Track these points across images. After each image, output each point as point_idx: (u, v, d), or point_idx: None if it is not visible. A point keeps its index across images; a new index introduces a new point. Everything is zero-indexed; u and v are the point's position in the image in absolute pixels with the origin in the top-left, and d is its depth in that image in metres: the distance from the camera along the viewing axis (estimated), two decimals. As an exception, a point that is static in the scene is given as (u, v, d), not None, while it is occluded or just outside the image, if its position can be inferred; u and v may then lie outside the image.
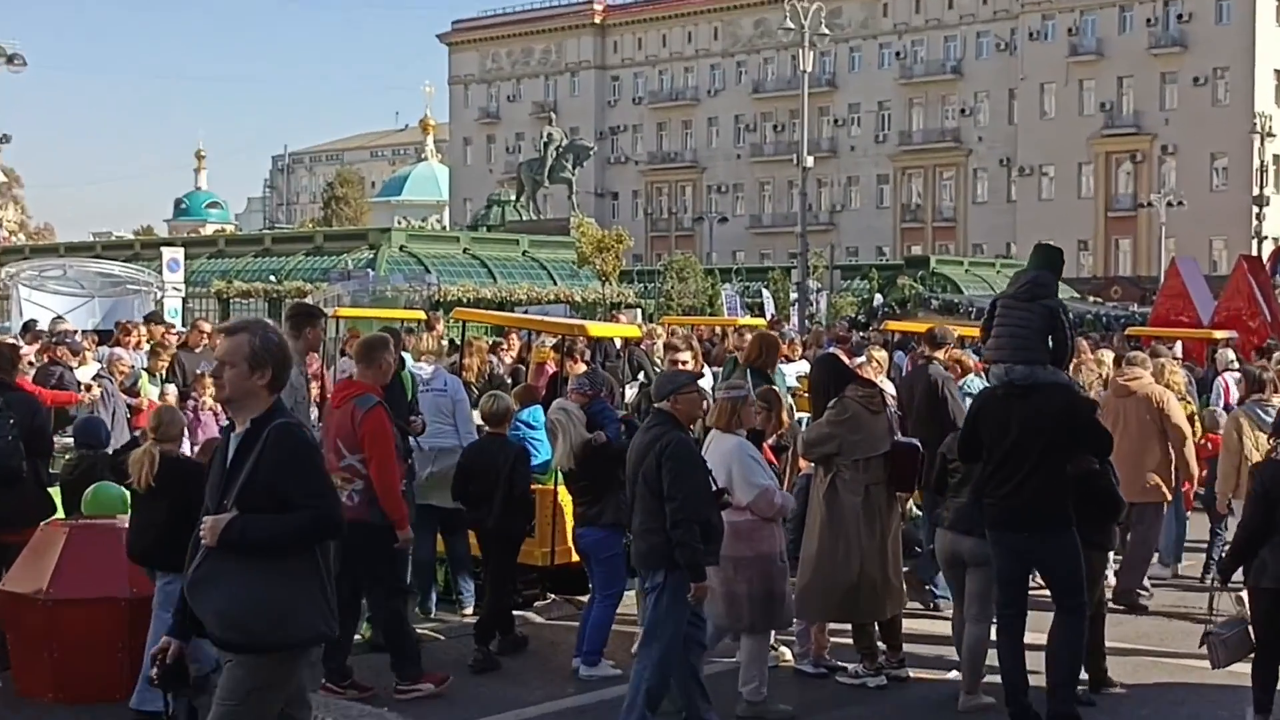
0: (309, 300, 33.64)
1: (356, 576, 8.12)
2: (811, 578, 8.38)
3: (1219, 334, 17.91)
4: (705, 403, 8.26)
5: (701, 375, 8.11)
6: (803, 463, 8.92)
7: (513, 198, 63.19)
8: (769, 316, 33.28)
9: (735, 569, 7.62)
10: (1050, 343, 7.69)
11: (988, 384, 11.94)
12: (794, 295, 43.79)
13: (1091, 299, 57.74)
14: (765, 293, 44.96)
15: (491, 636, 9.14)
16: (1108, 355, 15.30)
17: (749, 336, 12.30)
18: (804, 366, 16.95)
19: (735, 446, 7.85)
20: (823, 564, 8.36)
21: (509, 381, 14.55)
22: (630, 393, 15.17)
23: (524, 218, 59.61)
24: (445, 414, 9.94)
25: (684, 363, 9.64)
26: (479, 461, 9.36)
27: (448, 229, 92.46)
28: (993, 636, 7.92)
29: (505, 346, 17.16)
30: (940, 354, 11.44)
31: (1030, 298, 7.80)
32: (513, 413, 9.70)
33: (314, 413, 10.16)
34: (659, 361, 17.76)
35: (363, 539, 7.94)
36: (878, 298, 43.88)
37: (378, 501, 8.02)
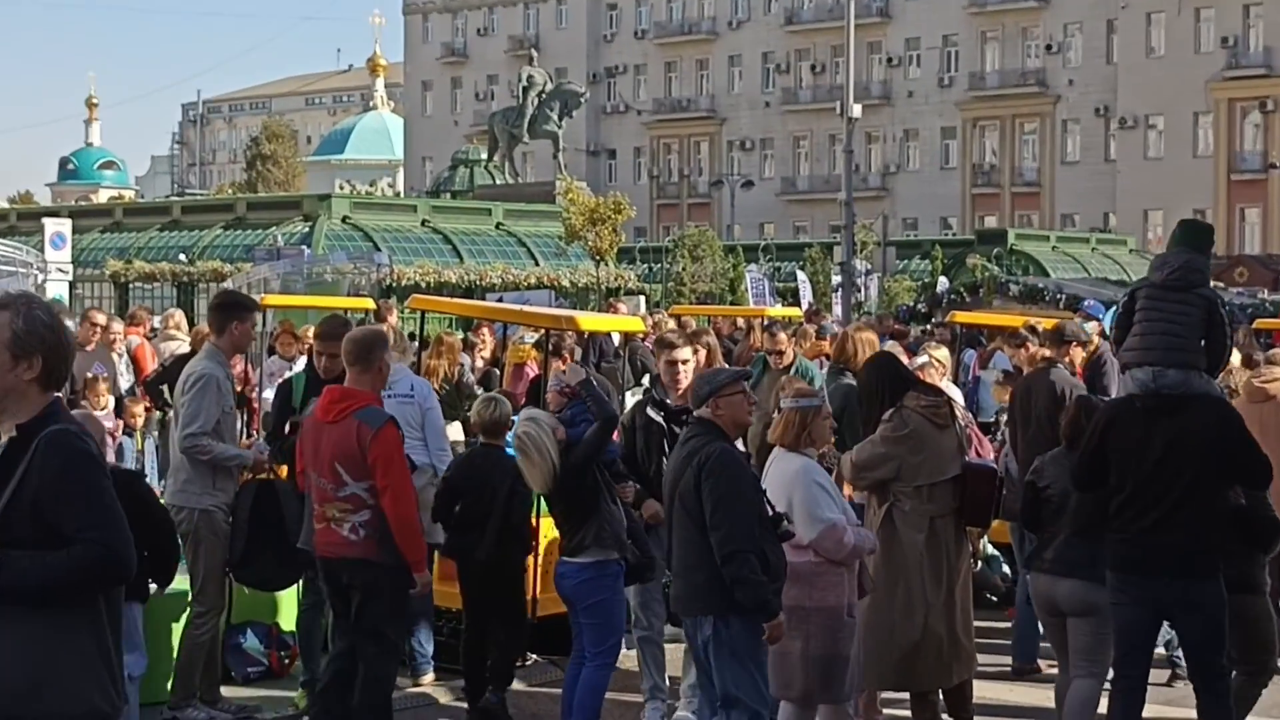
0: (230, 285, 33.67)
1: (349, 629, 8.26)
2: (863, 635, 8.36)
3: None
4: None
5: (748, 375, 8.01)
6: (849, 490, 8.87)
7: (484, 157, 63.18)
8: (805, 305, 33.28)
9: (791, 622, 7.52)
10: (1206, 343, 7.73)
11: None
12: (836, 279, 43.76)
13: (1211, 284, 57.62)
14: (801, 275, 44.99)
15: (482, 696, 9.20)
16: (1234, 354, 15.26)
17: (781, 335, 12.27)
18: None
19: (800, 470, 7.81)
20: (877, 617, 8.34)
21: (477, 388, 14.52)
22: (631, 399, 15.18)
23: (498, 181, 59.59)
24: (412, 425, 9.95)
25: (682, 362, 9.53)
26: (470, 479, 9.43)
27: (402, 196, 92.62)
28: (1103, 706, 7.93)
29: (479, 345, 17.16)
30: (1070, 354, 11.45)
31: (1184, 286, 7.81)
32: (511, 421, 9.70)
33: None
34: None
35: (368, 583, 8.09)
36: (942, 282, 43.81)
37: (388, 537, 8.12)
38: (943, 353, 13.09)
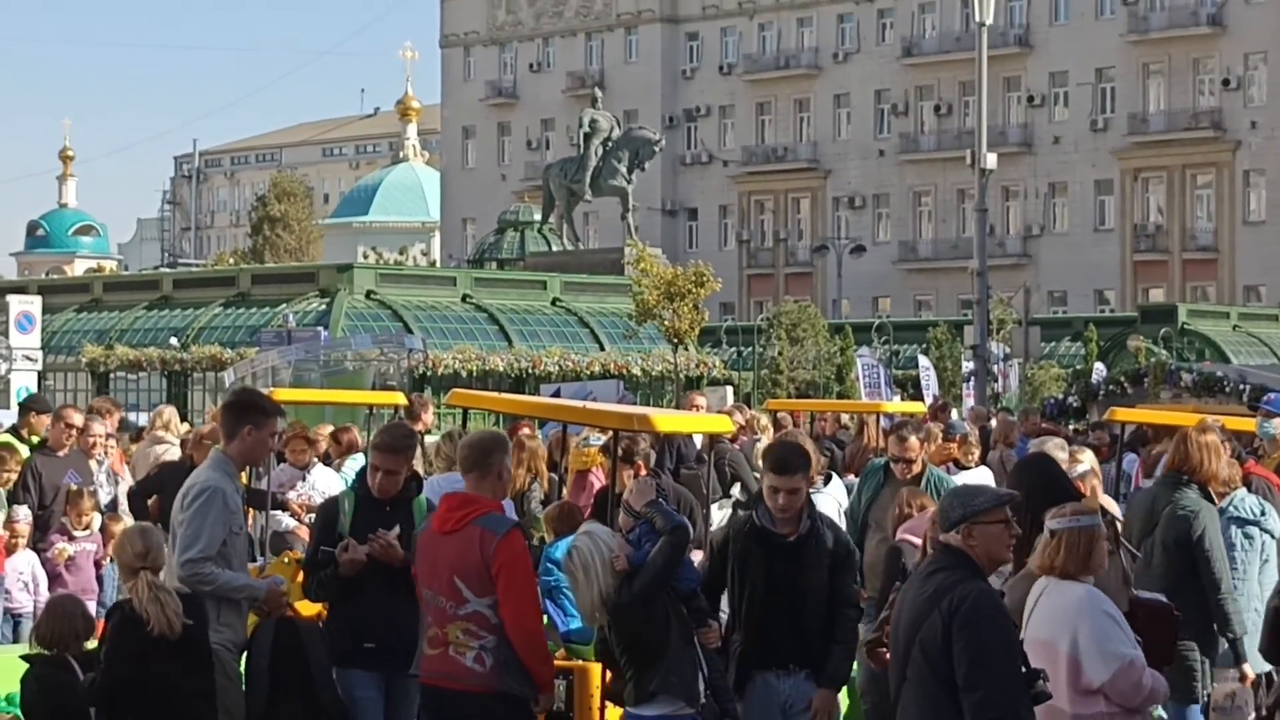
0: (231, 375, 33.94)
1: None
2: None
3: None
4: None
5: (1013, 498, 8.04)
6: None
7: (537, 218, 63.52)
8: (929, 398, 33.18)
9: None
10: None
11: (1260, 504, 11.92)
12: (968, 365, 43.60)
13: None
14: (923, 361, 44.91)
15: None
16: None
17: (913, 440, 12.22)
18: (984, 475, 16.88)
19: (1084, 600, 7.79)
20: None
21: (538, 505, 14.52)
22: (719, 515, 15.13)
23: (554, 248, 59.89)
24: None
25: (789, 491, 9.50)
26: None
27: (439, 265, 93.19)
28: None
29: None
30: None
31: None
32: None
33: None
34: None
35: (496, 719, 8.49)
36: (1098, 369, 43.53)
37: (514, 663, 8.47)
38: (1089, 456, 12.98)
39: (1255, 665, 11.71)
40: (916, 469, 12.02)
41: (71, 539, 13.45)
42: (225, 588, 9.27)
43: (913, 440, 12.35)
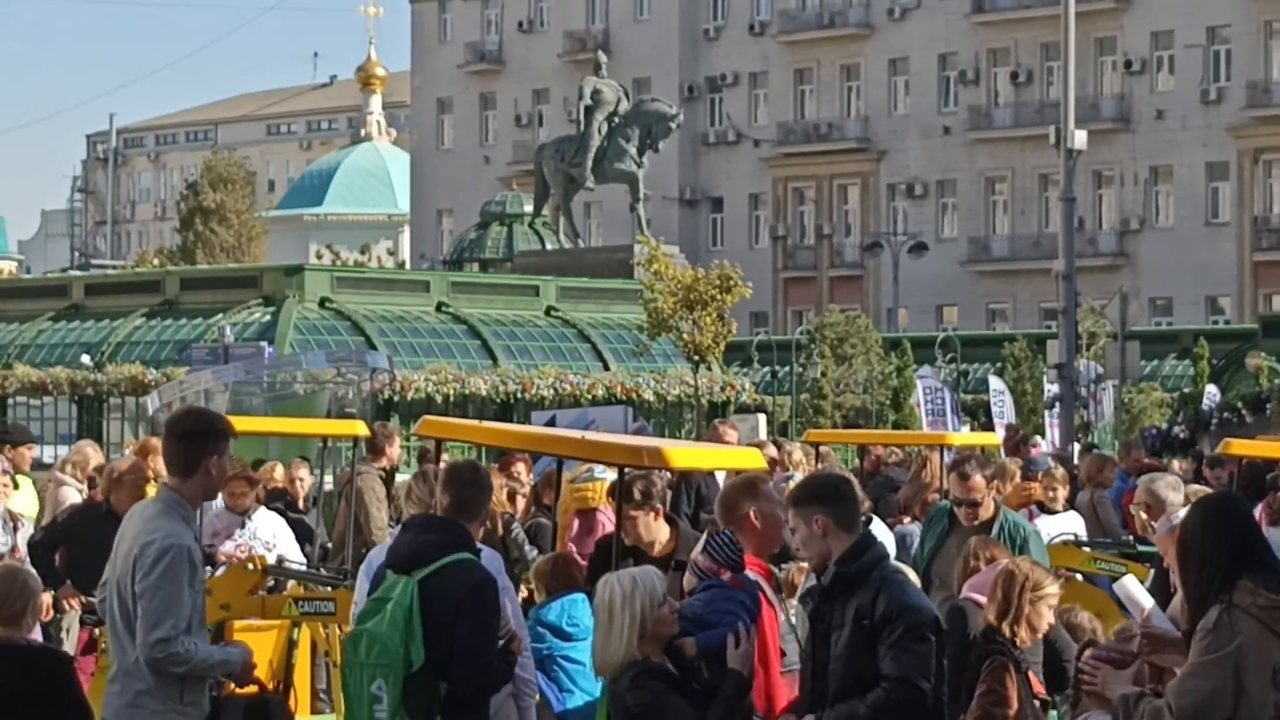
0: (155, 400, 33.95)
1: None
2: None
3: None
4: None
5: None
6: None
7: (527, 209, 63.61)
8: (1004, 429, 33.21)
9: None
10: None
11: None
12: (1051, 388, 43.61)
13: None
14: (997, 384, 44.93)
15: None
16: None
17: (977, 478, 12.25)
18: (1073, 520, 16.88)
19: None
20: None
21: (529, 549, 14.57)
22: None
23: (549, 246, 59.98)
24: None
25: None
26: None
27: (407, 267, 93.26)
28: None
29: (517, 487, 17.23)
30: None
31: None
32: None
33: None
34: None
35: None
36: (1210, 392, 43.58)
37: None
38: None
39: None
40: (986, 513, 12.01)
41: None
42: (200, 666, 9.31)
43: (977, 478, 12.36)
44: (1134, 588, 11.54)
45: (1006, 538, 11.58)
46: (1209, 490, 13.50)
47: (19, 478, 17.20)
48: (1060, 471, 17.46)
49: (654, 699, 8.64)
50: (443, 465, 17.66)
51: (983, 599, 10.95)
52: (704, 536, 9.71)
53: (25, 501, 16.78)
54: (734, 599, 9.40)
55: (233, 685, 9.60)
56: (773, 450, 20.93)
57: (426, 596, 9.38)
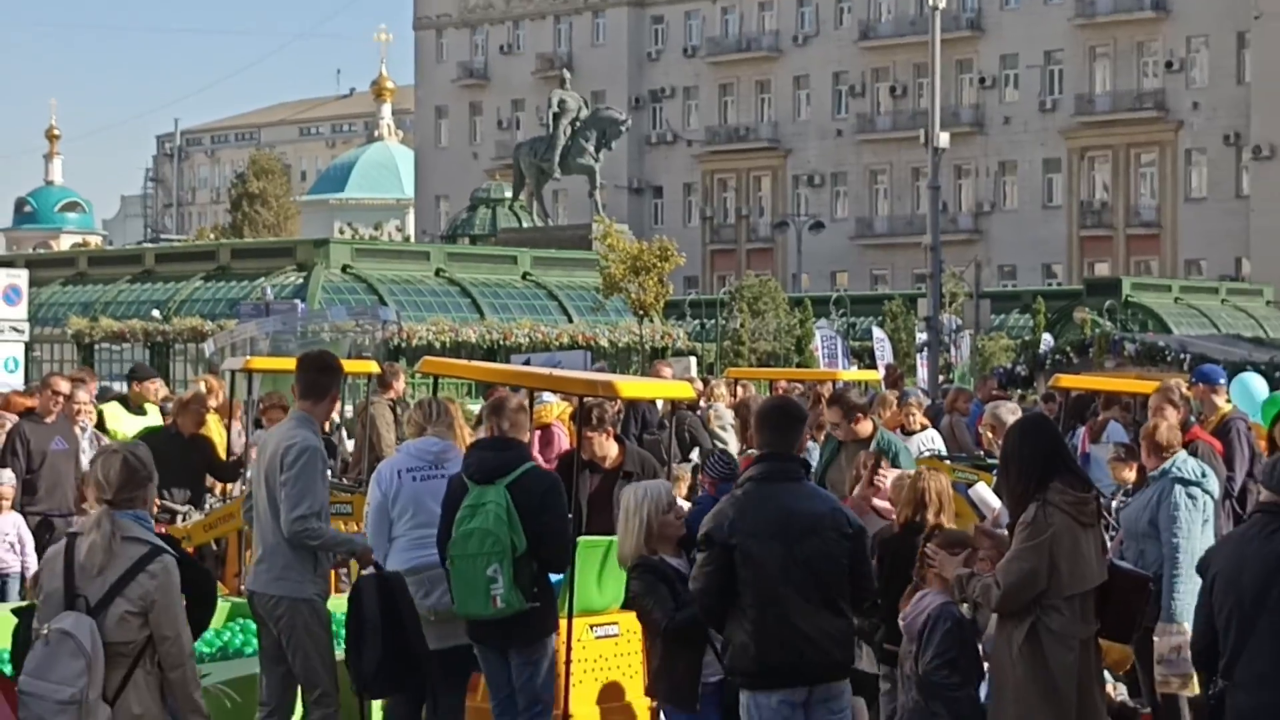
0: (211, 345, 33.86)
1: None
2: None
3: None
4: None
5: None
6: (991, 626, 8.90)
7: (508, 195, 63.43)
8: (883, 367, 33.25)
9: None
10: None
11: (1202, 467, 12.01)
12: (921, 337, 43.64)
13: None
14: (878, 333, 44.96)
15: None
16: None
17: (830, 410, 12.25)
18: (932, 438, 16.93)
19: None
20: None
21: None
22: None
23: (524, 224, 59.81)
24: None
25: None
26: None
27: (412, 241, 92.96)
28: None
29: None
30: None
31: None
32: None
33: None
34: (728, 432, 17.75)
35: None
36: (1045, 339, 43.66)
37: None
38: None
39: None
40: (865, 432, 12.00)
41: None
42: (330, 543, 9.74)
43: (828, 410, 12.47)
44: (985, 492, 11.61)
45: (883, 450, 11.58)
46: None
47: (146, 405, 17.14)
48: (915, 400, 17.48)
49: (645, 587, 8.81)
50: (488, 399, 17.74)
51: (883, 504, 10.99)
52: (702, 458, 9.90)
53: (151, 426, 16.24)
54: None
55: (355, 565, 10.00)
56: (700, 385, 21.00)
57: (515, 498, 9.62)
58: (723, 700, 8.73)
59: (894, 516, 10.92)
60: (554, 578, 10.41)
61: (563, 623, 10.40)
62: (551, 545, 9.70)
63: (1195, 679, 11.61)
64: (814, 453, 13.84)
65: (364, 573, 9.87)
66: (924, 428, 16.91)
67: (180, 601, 7.71)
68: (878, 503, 10.78)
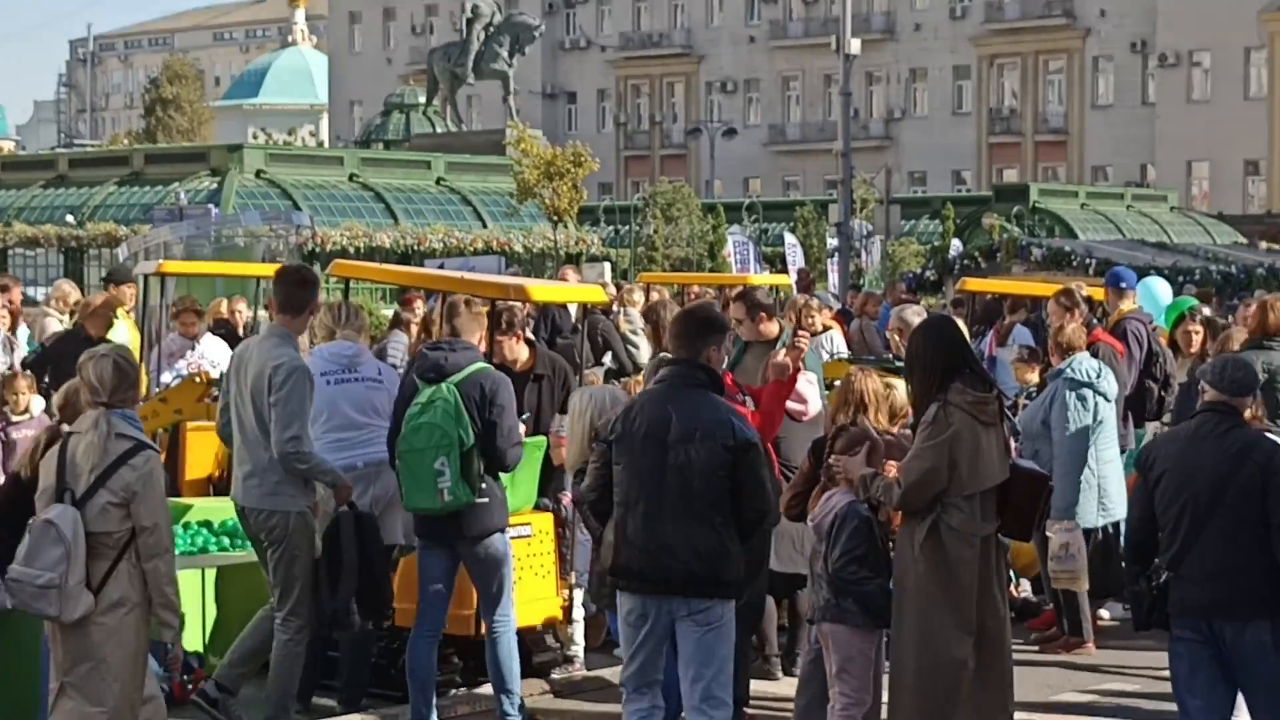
0: (124, 250, 33.54)
1: None
2: (896, 673, 8.51)
3: None
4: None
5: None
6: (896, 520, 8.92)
7: (421, 101, 62.99)
8: (794, 272, 33.31)
9: None
10: None
11: (1099, 368, 12.12)
12: (832, 242, 43.77)
13: (1264, 245, 57.87)
14: (790, 238, 44.97)
15: None
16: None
17: (792, 316, 12.22)
18: (833, 340, 16.99)
19: None
20: (927, 659, 8.43)
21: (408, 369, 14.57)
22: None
23: (438, 130, 59.46)
24: (381, 414, 10.42)
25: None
26: None
27: (326, 146, 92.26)
28: None
29: (410, 319, 17.12)
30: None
31: None
32: None
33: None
34: (639, 336, 17.71)
35: None
36: (954, 245, 43.86)
37: None
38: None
39: (1083, 519, 12.00)
40: (771, 333, 11.94)
41: (10, 424, 12.81)
42: (316, 470, 9.71)
43: (733, 306, 12.45)
44: (900, 394, 11.62)
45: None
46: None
47: (121, 311, 16.51)
48: (815, 302, 17.52)
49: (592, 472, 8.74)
50: (401, 304, 17.62)
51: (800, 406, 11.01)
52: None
53: (121, 335, 15.35)
54: None
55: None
56: (613, 289, 20.94)
57: (464, 395, 9.70)
58: None
59: (805, 418, 10.96)
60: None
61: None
62: (500, 441, 9.75)
63: (1085, 575, 11.79)
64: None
65: (342, 510, 9.83)
66: (826, 329, 16.93)
67: (162, 494, 8.02)
68: (791, 405, 10.76)
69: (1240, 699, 8.14)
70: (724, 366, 10.01)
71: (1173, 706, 8.27)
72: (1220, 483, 7.93)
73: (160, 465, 8.12)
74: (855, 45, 42.30)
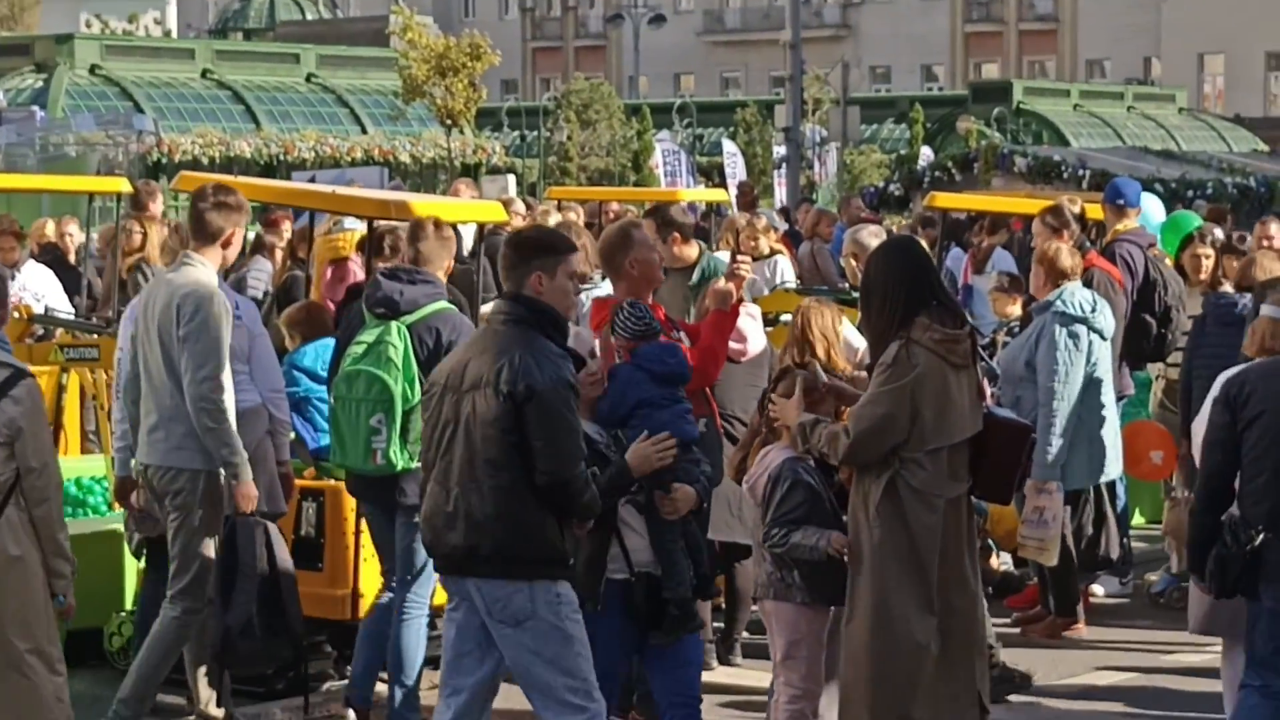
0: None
1: None
2: (850, 658, 8.48)
3: None
4: None
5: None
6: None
7: (289, -19, 62.75)
8: (734, 186, 33.34)
9: None
10: None
11: (1093, 300, 12.17)
12: (779, 150, 43.83)
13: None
14: (729, 146, 45.05)
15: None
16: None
17: (729, 239, 12.19)
18: (782, 265, 17.03)
19: None
20: (882, 643, 8.45)
21: (273, 301, 14.48)
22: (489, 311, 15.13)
23: (309, 17, 59.21)
24: (238, 356, 10.14)
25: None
26: None
27: (174, 36, 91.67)
28: None
29: (275, 242, 17.09)
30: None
31: None
32: None
33: None
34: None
35: None
36: (924, 153, 44.03)
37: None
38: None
39: (1071, 480, 12.06)
40: (691, 256, 11.96)
41: None
42: (223, 436, 9.51)
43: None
44: (848, 330, 11.66)
45: (707, 277, 11.51)
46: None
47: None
48: (762, 222, 17.52)
49: None
50: (266, 225, 17.53)
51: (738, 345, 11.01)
52: (611, 316, 9.29)
53: None
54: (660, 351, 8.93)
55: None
56: (521, 207, 20.88)
57: (416, 341, 9.57)
58: (626, 601, 8.35)
59: (744, 358, 10.96)
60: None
61: (347, 497, 10.45)
62: None
63: (1055, 547, 11.86)
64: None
65: (241, 519, 9.68)
66: (772, 254, 16.93)
67: (47, 429, 8.12)
68: (732, 344, 10.75)
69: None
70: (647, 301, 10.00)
71: (1175, 689, 8.38)
72: None
73: (40, 394, 8.10)
74: (806, -84, 42.36)
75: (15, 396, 7.86)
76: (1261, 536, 8.19)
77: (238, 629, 9.61)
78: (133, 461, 9.83)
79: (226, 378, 9.51)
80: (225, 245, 9.84)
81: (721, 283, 10.32)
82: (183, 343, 9.47)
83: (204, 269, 9.68)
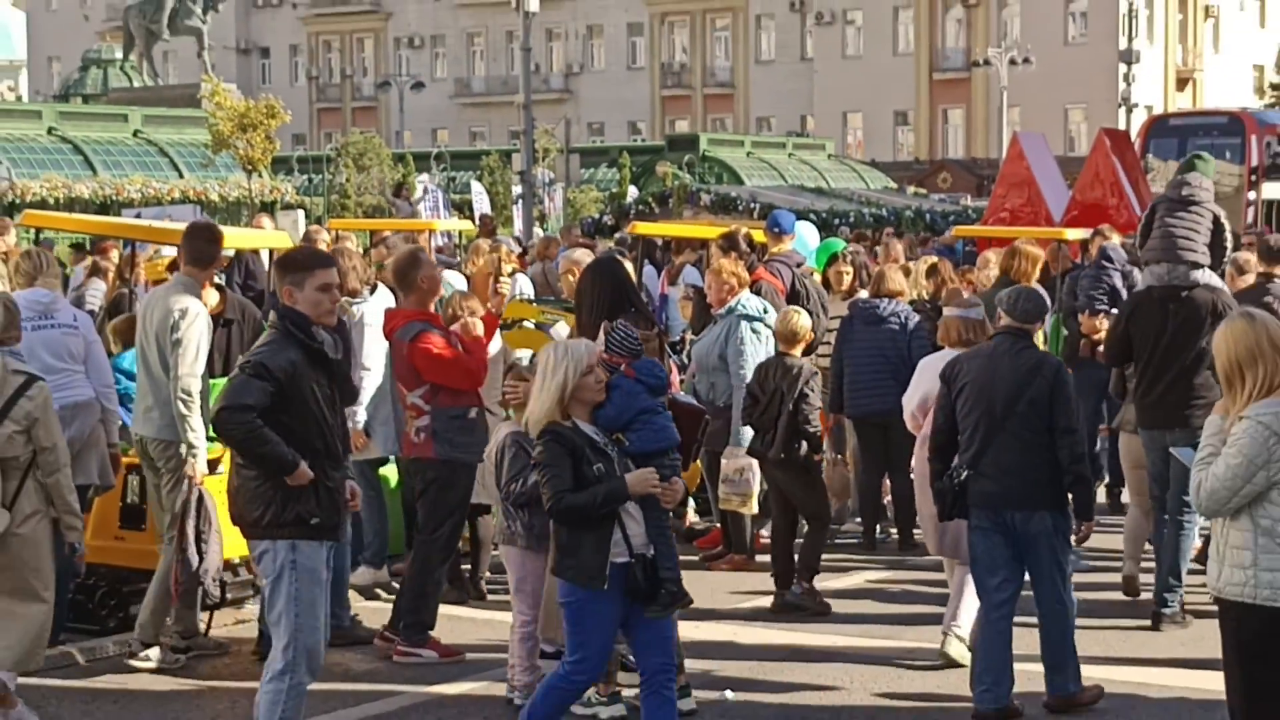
0: None
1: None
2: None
3: (1072, 233, 18.55)
4: None
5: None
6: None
7: (119, 56, 61.38)
8: (480, 217, 33.27)
9: None
10: (1210, 246, 10.66)
11: (764, 304, 12.31)
12: (517, 189, 43.78)
13: (912, 189, 59.46)
14: (477, 186, 44.87)
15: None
16: (929, 264, 15.81)
17: (476, 260, 12.20)
18: (522, 283, 17.02)
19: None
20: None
21: (104, 314, 14.22)
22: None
23: (135, 84, 57.99)
24: (75, 358, 10.29)
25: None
26: (763, 386, 11.31)
27: (24, 100, 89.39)
28: None
29: (106, 267, 16.79)
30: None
31: (1194, 201, 10.68)
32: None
33: None
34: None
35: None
36: (631, 191, 44.23)
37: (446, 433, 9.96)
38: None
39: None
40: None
41: None
42: (189, 422, 9.63)
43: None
44: (564, 331, 11.67)
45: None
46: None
47: None
48: (504, 248, 17.54)
49: (549, 457, 7.77)
50: (110, 252, 17.19)
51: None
52: (601, 334, 8.61)
53: None
54: (639, 396, 8.10)
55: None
56: (326, 235, 20.63)
57: None
58: (625, 583, 7.63)
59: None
60: (360, 417, 11.00)
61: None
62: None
63: (754, 499, 12.00)
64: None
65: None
66: (514, 272, 16.93)
67: (55, 418, 8.76)
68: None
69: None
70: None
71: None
72: (1014, 394, 8.77)
73: (49, 393, 8.76)
74: (534, 3, 42.41)
75: (31, 395, 8.55)
76: (966, 473, 8.83)
77: (213, 576, 9.66)
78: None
79: (200, 373, 9.77)
80: (214, 267, 10.66)
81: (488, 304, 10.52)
82: (175, 346, 9.76)
83: (193, 289, 10.00)
